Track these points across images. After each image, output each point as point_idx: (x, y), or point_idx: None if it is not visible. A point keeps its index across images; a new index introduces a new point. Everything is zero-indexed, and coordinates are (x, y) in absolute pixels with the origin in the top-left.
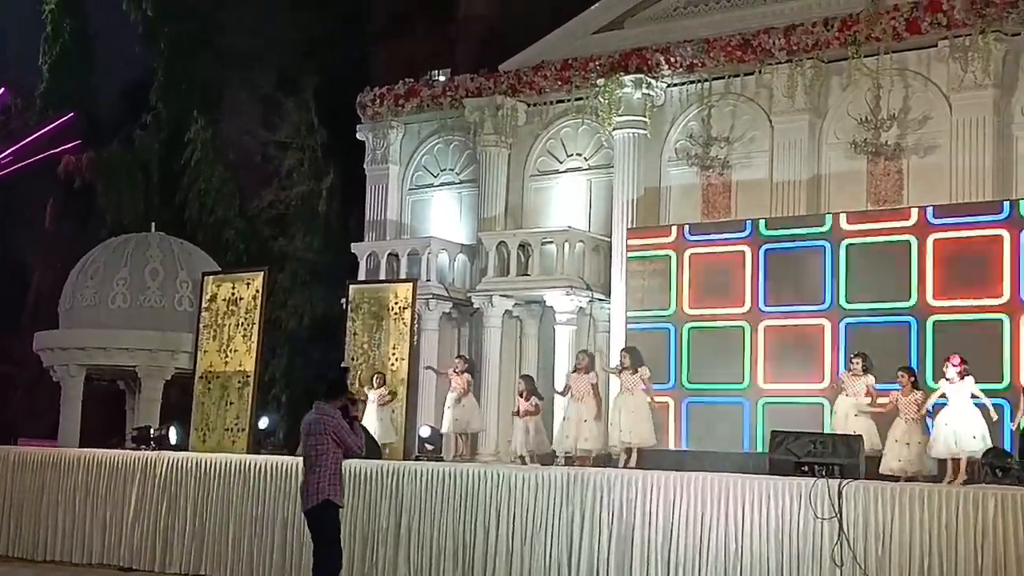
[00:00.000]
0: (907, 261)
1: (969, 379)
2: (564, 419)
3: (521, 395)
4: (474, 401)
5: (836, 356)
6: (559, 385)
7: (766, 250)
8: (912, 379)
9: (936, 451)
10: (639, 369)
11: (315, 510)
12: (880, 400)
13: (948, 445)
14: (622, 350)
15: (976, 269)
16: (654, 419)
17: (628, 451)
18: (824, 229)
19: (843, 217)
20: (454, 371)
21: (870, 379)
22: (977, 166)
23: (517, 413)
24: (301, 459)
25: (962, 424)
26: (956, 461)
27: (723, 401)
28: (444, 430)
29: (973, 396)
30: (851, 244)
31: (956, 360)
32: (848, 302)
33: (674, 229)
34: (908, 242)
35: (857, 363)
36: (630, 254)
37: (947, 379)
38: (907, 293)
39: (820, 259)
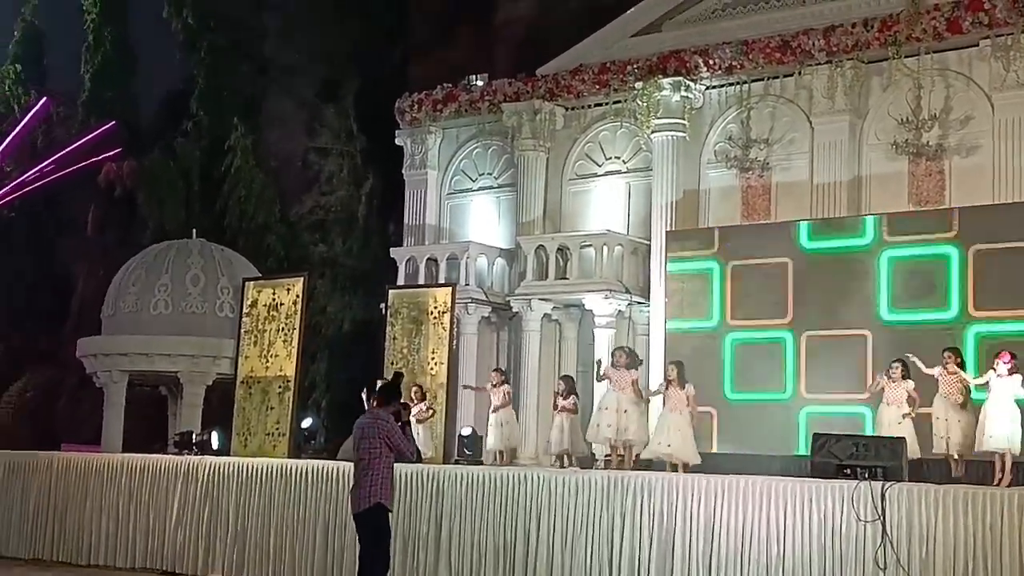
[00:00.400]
0: (946, 271)
1: (1018, 377)
2: (602, 409)
3: (560, 394)
4: (512, 415)
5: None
6: (598, 382)
7: (808, 260)
8: (958, 361)
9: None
10: (686, 386)
11: (366, 513)
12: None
13: (983, 437)
14: (670, 363)
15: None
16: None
17: (673, 467)
18: (866, 241)
19: (885, 228)
20: (492, 385)
21: (910, 384)
22: (1020, 166)
23: (555, 408)
24: (352, 463)
25: (1000, 419)
26: (1002, 458)
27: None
28: (489, 447)
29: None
30: (893, 256)
31: (1007, 356)
32: (891, 312)
33: (716, 237)
34: (948, 254)
35: (896, 369)
36: (671, 267)
37: (996, 373)
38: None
39: (863, 268)
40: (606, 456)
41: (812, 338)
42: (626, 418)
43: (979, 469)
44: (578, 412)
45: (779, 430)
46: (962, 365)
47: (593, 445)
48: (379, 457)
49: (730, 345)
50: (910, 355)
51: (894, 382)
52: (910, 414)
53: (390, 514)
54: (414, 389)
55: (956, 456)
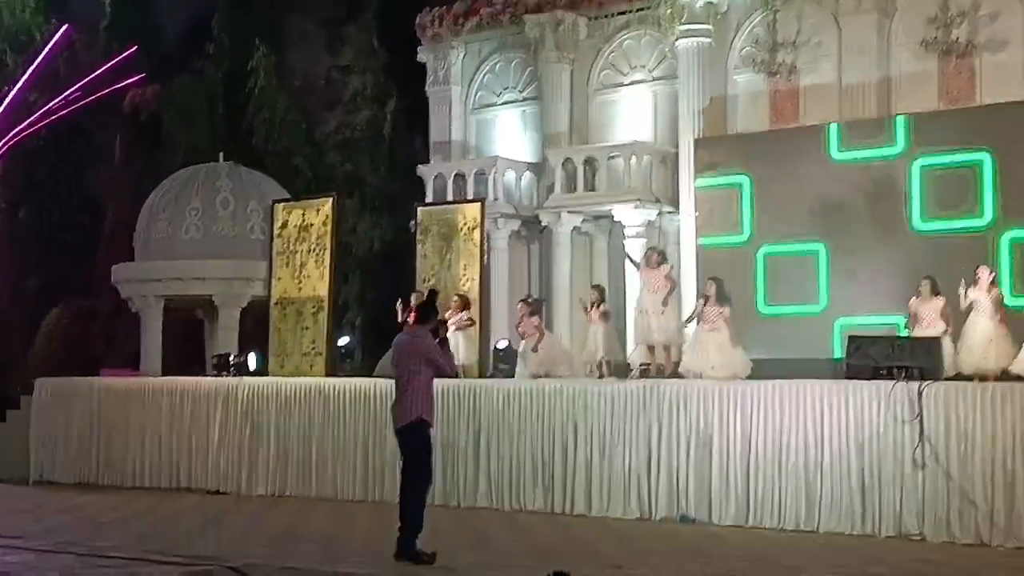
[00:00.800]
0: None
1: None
2: (639, 312)
3: (593, 303)
4: (554, 341)
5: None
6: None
7: (840, 171)
8: (993, 275)
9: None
10: (725, 307)
11: (407, 428)
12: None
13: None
14: (709, 279)
15: None
16: None
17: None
18: (898, 150)
19: (914, 136)
20: (522, 318)
21: (941, 301)
22: None
23: (590, 320)
24: (391, 380)
25: None
26: None
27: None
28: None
29: None
30: (924, 164)
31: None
32: (924, 221)
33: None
34: (980, 160)
35: (926, 286)
36: (699, 183)
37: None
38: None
39: (895, 178)
40: (641, 365)
41: (843, 249)
42: (664, 318)
43: None
44: (611, 320)
45: (814, 341)
46: (995, 282)
47: (628, 354)
48: (419, 374)
49: (762, 259)
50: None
51: (924, 301)
52: (947, 331)
53: (431, 429)
54: (455, 299)
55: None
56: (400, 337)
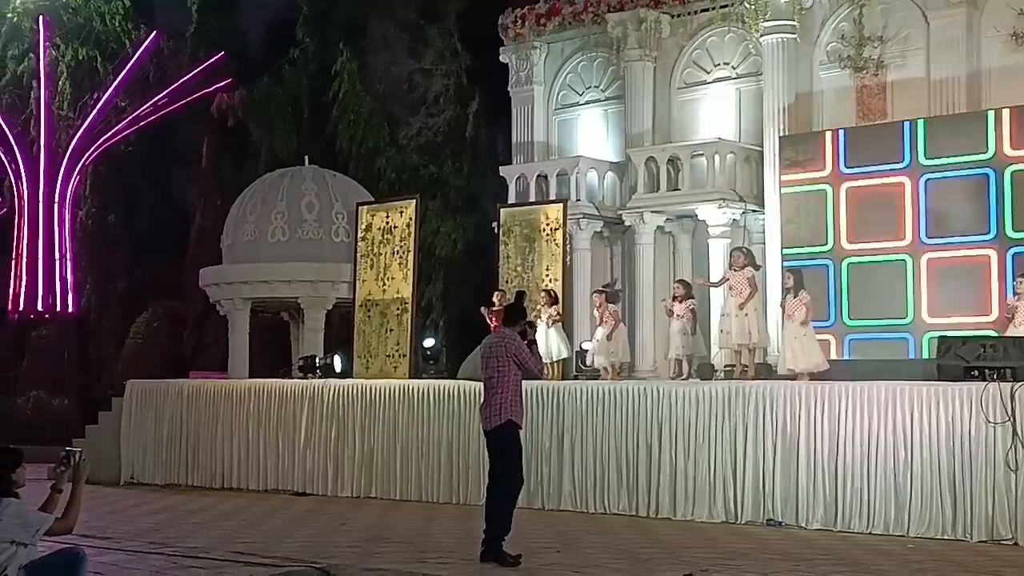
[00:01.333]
0: None
1: None
2: (723, 315)
3: (676, 298)
4: (623, 334)
5: (1003, 287)
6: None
7: (926, 181)
8: None
9: None
10: (800, 293)
11: (497, 430)
12: None
13: None
14: (786, 269)
15: None
16: None
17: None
18: (987, 156)
19: (1007, 143)
20: (597, 307)
21: None
22: None
23: (671, 315)
24: (480, 382)
25: None
26: None
27: (887, 337)
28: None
29: None
30: (1016, 170)
31: None
32: (1015, 230)
33: (828, 155)
34: None
35: (1022, 283)
36: (783, 189)
37: None
38: None
39: (984, 188)
40: (726, 366)
41: (933, 260)
42: (748, 322)
43: None
44: (696, 318)
45: (902, 347)
46: None
47: (712, 355)
48: (507, 375)
49: (846, 270)
50: None
51: (1021, 298)
52: None
53: (520, 431)
54: (543, 295)
55: None
56: (489, 338)
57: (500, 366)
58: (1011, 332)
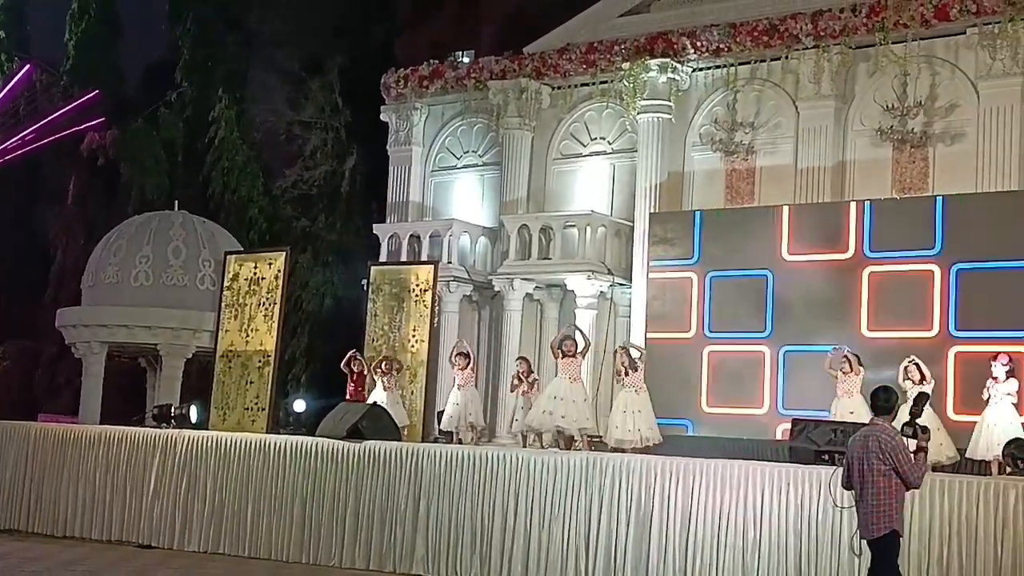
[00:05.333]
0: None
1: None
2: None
3: (521, 375)
4: (475, 396)
5: None
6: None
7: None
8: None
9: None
10: (638, 368)
11: (881, 541)
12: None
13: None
14: (620, 348)
15: None
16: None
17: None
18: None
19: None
20: (456, 367)
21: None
22: (1004, 155)
23: (512, 390)
24: (854, 487)
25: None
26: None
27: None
28: (444, 426)
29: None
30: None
31: (1005, 359)
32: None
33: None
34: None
35: (845, 362)
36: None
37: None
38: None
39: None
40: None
41: (792, 353)
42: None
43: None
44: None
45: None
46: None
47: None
48: (887, 476)
49: (706, 357)
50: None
51: (845, 374)
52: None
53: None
54: (384, 362)
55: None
56: (865, 431)
57: (881, 465)
58: (835, 404)
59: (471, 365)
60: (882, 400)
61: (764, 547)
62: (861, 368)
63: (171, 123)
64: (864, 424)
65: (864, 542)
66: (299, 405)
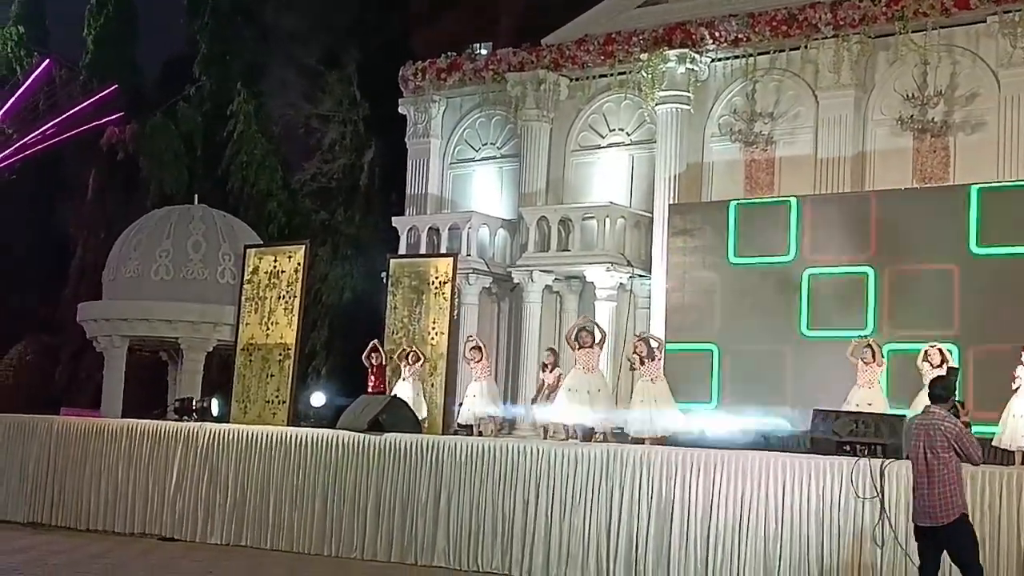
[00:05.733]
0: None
1: None
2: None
3: (546, 367)
4: (491, 386)
5: None
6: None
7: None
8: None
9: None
10: (656, 360)
11: (952, 528)
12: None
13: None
14: (638, 338)
15: None
16: None
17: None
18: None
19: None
20: (469, 360)
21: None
22: None
23: (541, 386)
24: (910, 467)
25: None
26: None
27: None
28: (463, 420)
29: None
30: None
31: None
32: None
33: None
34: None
35: (867, 352)
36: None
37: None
38: None
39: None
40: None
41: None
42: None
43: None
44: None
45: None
46: None
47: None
48: (950, 462)
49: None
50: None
51: (867, 364)
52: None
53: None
54: (411, 353)
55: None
56: (920, 419)
57: (943, 452)
58: (854, 393)
59: (485, 357)
60: (940, 389)
61: (785, 538)
62: (883, 359)
63: (189, 117)
64: (890, 415)
65: (920, 528)
66: (317, 399)
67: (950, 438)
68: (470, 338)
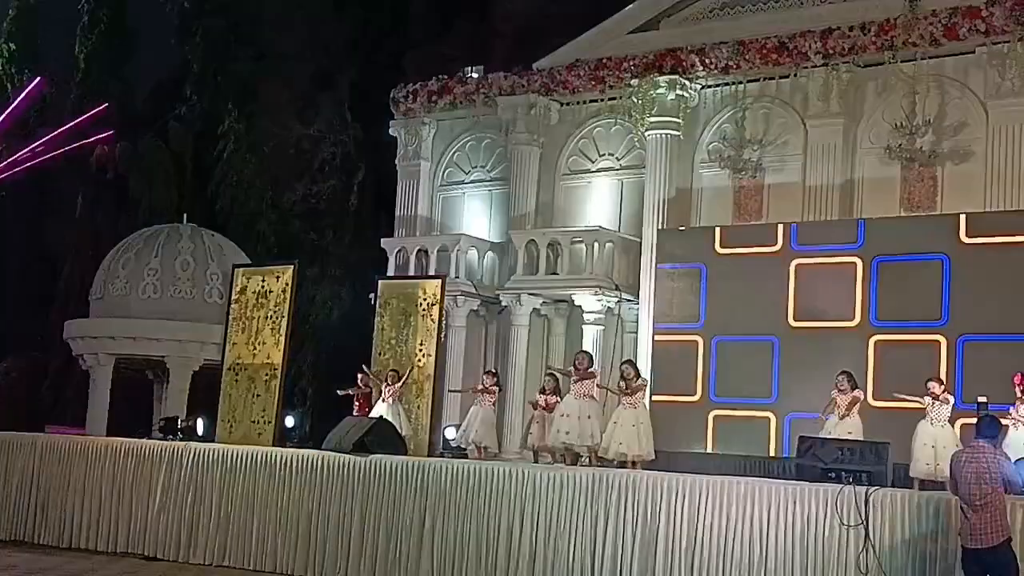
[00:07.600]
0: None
1: None
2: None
3: (543, 391)
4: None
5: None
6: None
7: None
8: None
9: None
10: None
11: (998, 548)
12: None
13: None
14: (623, 363)
15: None
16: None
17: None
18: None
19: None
20: (485, 388)
21: (858, 394)
22: (1013, 173)
23: (535, 406)
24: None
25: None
26: None
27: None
28: (462, 443)
29: None
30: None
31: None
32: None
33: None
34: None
35: (843, 380)
36: (661, 266)
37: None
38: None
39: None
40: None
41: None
42: (589, 424)
43: None
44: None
45: (764, 435)
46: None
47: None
48: (996, 493)
49: (714, 348)
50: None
51: (843, 392)
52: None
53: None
54: (390, 373)
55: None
56: (968, 454)
57: (987, 484)
58: (830, 426)
59: (498, 390)
60: (989, 428)
61: (770, 565)
62: (858, 389)
63: (180, 136)
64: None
65: (968, 552)
66: (288, 421)
67: (994, 472)
68: (490, 372)
